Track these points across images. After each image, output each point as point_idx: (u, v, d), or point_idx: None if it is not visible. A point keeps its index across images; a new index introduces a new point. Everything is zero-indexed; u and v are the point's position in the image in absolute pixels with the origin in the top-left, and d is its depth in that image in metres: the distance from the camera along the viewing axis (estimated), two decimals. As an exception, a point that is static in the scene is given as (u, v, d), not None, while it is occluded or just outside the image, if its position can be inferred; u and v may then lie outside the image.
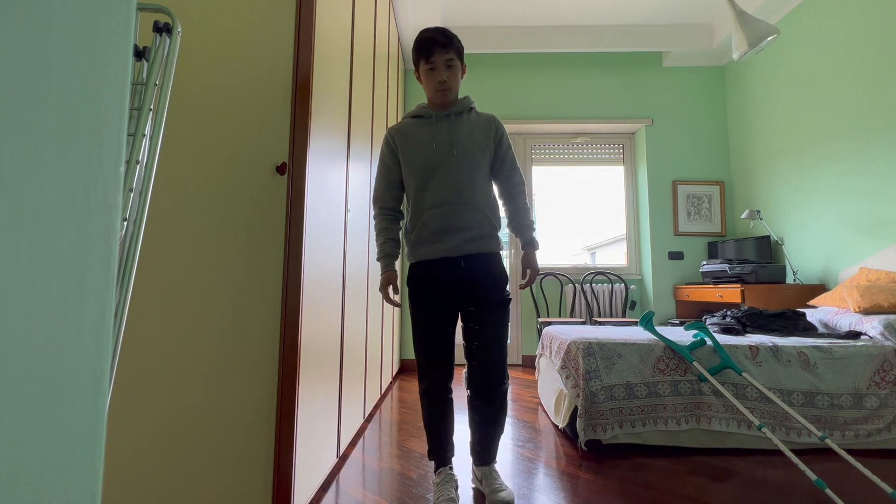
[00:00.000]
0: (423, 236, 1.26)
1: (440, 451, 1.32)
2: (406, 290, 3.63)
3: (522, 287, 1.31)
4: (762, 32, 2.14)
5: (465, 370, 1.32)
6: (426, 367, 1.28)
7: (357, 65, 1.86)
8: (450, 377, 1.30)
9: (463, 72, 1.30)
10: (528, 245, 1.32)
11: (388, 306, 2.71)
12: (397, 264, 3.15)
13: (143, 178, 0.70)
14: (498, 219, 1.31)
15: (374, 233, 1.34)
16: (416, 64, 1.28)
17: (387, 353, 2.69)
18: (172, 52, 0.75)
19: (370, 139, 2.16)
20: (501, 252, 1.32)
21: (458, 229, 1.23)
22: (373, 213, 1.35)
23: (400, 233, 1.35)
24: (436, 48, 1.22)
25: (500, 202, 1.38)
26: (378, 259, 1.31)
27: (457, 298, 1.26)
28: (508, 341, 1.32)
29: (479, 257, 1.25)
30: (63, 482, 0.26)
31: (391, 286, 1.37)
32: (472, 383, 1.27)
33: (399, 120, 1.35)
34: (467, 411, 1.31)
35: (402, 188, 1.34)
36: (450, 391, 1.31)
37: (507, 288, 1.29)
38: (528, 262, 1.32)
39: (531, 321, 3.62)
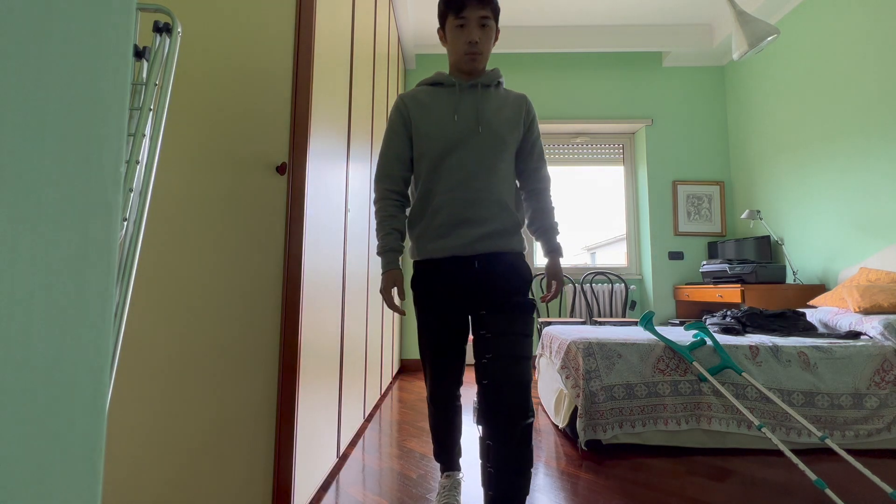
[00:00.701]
0: (431, 228, 1.05)
1: (447, 455, 1.24)
2: (410, 293, 3.62)
3: (546, 300, 1.11)
4: (762, 32, 2.14)
5: (474, 399, 1.02)
6: (432, 372, 1.14)
7: (357, 65, 1.86)
8: (458, 383, 1.17)
9: (496, 37, 1.09)
10: (553, 252, 1.13)
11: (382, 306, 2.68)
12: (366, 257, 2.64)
13: (143, 178, 0.70)
14: (522, 214, 1.12)
15: (376, 220, 1.11)
16: (443, 19, 1.08)
17: (387, 353, 2.69)
18: (172, 52, 0.75)
19: (370, 139, 2.16)
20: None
21: (473, 222, 1.02)
22: (374, 195, 1.13)
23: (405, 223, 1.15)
24: (470, 1, 1.02)
25: (523, 197, 1.19)
26: (379, 254, 1.09)
27: (468, 304, 1.05)
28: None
29: (498, 257, 1.04)
30: (63, 482, 0.26)
31: (395, 289, 1.17)
32: (483, 414, 0.96)
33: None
34: (479, 461, 0.98)
35: (411, 167, 1.13)
36: (457, 397, 1.20)
37: (531, 294, 1.04)
38: (553, 272, 1.13)
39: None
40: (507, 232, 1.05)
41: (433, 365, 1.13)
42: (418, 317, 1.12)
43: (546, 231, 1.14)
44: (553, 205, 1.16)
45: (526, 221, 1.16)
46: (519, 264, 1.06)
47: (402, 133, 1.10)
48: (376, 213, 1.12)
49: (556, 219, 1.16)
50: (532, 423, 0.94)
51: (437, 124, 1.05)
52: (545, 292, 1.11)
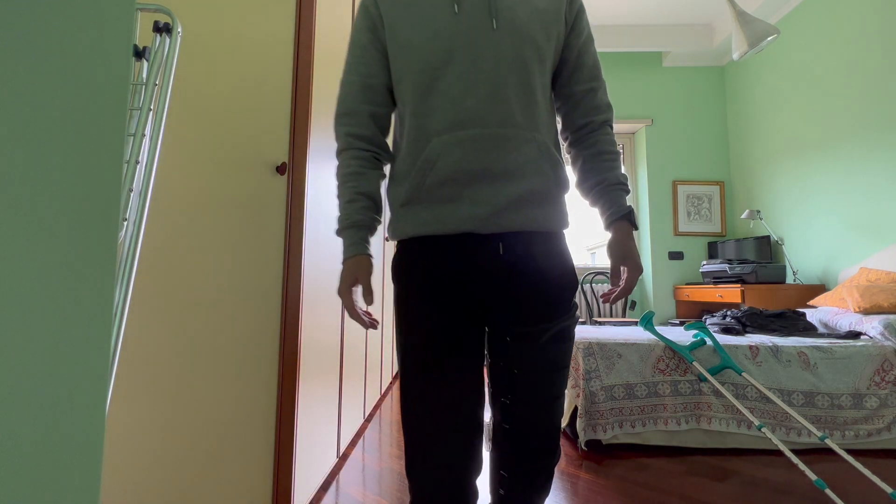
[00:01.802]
0: (425, 189, 0.65)
1: None
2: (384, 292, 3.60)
3: (611, 299, 0.71)
4: (762, 32, 2.14)
5: (488, 420, 0.75)
6: (422, 445, 0.65)
7: (357, 65, 1.86)
8: (475, 466, 0.67)
9: None
10: (621, 220, 0.71)
11: (388, 303, 2.69)
12: (376, 245, 2.04)
13: (143, 178, 0.70)
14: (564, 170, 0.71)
15: (337, 183, 0.73)
16: None
17: (387, 353, 2.69)
18: (172, 53, 0.75)
19: (370, 139, 2.15)
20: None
21: (497, 176, 0.63)
22: (337, 145, 0.74)
23: (383, 185, 0.74)
24: None
25: (566, 142, 0.77)
26: (338, 232, 0.70)
27: (483, 314, 0.68)
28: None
29: (535, 241, 0.66)
30: (63, 482, 0.26)
31: (358, 287, 0.68)
32: (499, 451, 0.72)
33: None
34: (489, 476, 0.76)
35: (390, 99, 0.73)
36: (475, 499, 0.69)
37: (575, 300, 0.70)
38: (623, 251, 0.70)
39: (531, 321, 3.62)
40: (548, 196, 0.66)
41: (428, 429, 0.65)
42: (403, 334, 0.68)
43: (609, 188, 0.71)
44: (618, 149, 0.73)
45: (576, 177, 0.76)
46: (565, 258, 0.69)
47: (370, 45, 0.69)
48: (338, 170, 0.73)
49: (624, 170, 0.71)
50: (557, 461, 0.74)
51: (425, 23, 0.65)
52: (617, 281, 0.72)
